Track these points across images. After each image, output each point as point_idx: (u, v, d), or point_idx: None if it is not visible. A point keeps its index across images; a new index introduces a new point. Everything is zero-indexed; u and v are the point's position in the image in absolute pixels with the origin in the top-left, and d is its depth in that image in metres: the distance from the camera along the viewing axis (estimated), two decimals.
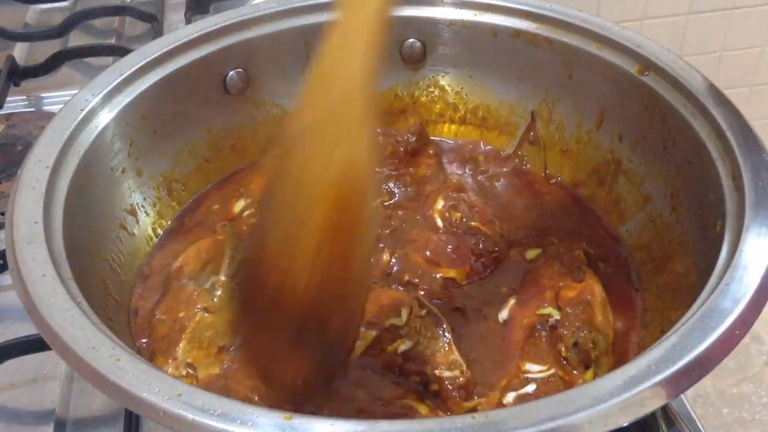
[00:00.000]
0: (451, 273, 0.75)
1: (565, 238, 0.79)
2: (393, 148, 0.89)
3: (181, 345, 0.66)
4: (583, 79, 0.85)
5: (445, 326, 0.67)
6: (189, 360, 0.65)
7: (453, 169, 0.90)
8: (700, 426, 0.66)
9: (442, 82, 0.95)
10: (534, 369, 0.66)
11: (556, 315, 0.69)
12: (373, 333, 0.66)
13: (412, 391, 0.64)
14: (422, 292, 0.72)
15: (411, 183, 0.86)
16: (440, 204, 0.81)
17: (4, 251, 0.64)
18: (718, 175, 0.67)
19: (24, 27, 1.26)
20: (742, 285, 0.56)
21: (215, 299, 0.69)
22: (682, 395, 0.59)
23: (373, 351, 0.66)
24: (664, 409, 0.65)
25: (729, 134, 0.68)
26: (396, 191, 0.85)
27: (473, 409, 0.63)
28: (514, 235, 0.81)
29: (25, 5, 1.30)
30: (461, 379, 0.64)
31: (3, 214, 0.83)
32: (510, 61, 0.90)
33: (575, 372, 0.66)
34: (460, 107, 0.95)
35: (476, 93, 0.94)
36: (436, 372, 0.64)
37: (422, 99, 0.95)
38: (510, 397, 0.63)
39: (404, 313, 0.67)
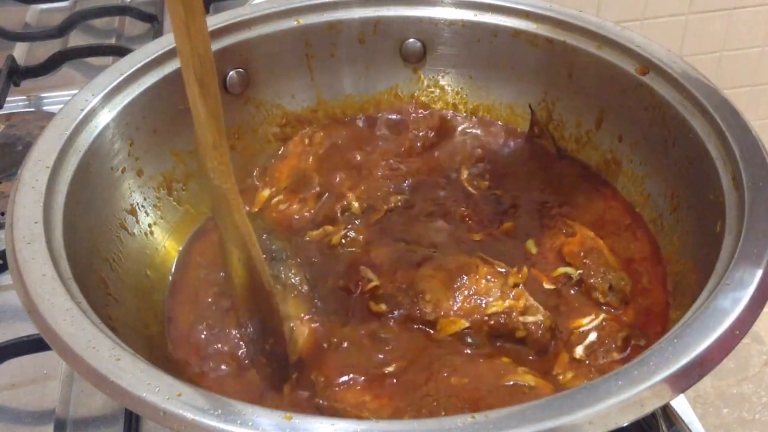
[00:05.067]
0: (477, 237, 0.78)
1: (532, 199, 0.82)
2: (410, 143, 0.90)
3: None
4: (583, 79, 0.85)
5: (510, 278, 0.69)
6: None
7: (472, 144, 0.92)
8: (700, 426, 0.66)
9: (442, 82, 0.95)
10: (584, 321, 0.68)
11: (572, 271, 0.73)
12: (466, 323, 0.67)
13: (505, 363, 0.65)
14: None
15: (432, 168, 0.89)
16: (465, 174, 0.86)
17: (4, 251, 0.64)
18: (718, 175, 0.67)
19: (24, 27, 1.26)
20: (742, 285, 0.56)
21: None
22: (682, 395, 0.59)
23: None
24: (664, 409, 0.65)
25: (729, 134, 0.68)
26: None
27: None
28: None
29: (25, 5, 1.30)
30: (547, 321, 0.66)
31: (3, 214, 0.83)
32: (510, 61, 0.90)
33: (620, 311, 0.69)
34: (460, 107, 0.95)
35: (476, 93, 0.94)
36: (520, 319, 0.66)
37: (422, 99, 0.95)
38: (579, 350, 0.66)
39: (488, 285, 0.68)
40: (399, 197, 0.83)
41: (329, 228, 0.78)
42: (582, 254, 0.74)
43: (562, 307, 0.71)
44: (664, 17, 1.93)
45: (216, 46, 0.85)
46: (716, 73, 2.03)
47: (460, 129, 0.93)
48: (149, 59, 0.80)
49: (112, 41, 1.22)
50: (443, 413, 0.59)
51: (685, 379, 0.50)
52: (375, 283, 0.70)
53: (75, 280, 0.60)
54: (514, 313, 0.66)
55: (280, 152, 0.89)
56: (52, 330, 0.54)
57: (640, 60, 0.79)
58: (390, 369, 0.64)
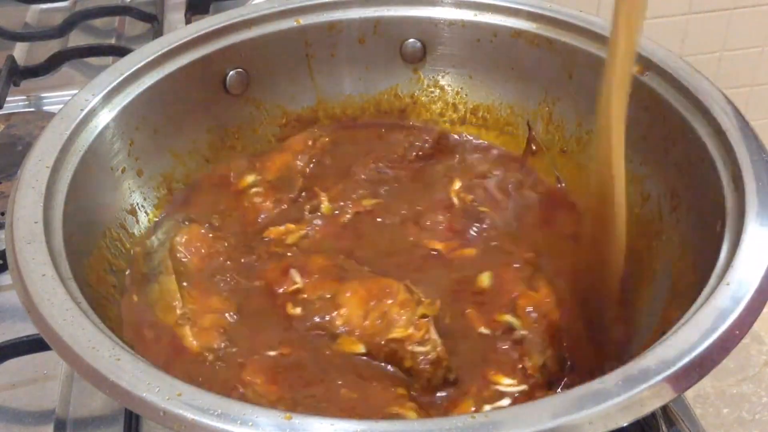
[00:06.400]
0: (437, 245, 0.77)
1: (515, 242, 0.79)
2: (404, 151, 0.90)
3: None
4: (583, 79, 0.85)
5: (420, 309, 0.67)
6: None
7: (468, 161, 0.91)
8: (700, 426, 0.66)
9: (442, 82, 0.95)
10: (505, 382, 0.65)
11: (518, 326, 0.68)
12: (362, 349, 0.67)
13: (399, 394, 0.64)
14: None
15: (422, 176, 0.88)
16: (457, 185, 0.84)
17: (4, 251, 0.64)
18: (718, 175, 0.67)
19: (24, 27, 1.26)
20: (742, 285, 0.56)
21: None
22: (682, 395, 0.59)
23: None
24: (664, 409, 0.65)
25: (729, 134, 0.68)
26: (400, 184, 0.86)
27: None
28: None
29: (25, 5, 1.30)
30: (432, 354, 0.64)
31: (3, 214, 0.83)
32: (510, 61, 0.90)
33: (538, 392, 0.64)
34: (460, 107, 0.95)
35: (476, 93, 0.94)
36: (410, 348, 0.65)
37: (422, 99, 0.95)
38: (487, 408, 0.63)
39: (403, 313, 0.67)
40: (373, 201, 0.82)
41: (291, 226, 0.78)
42: (534, 316, 0.68)
43: (491, 354, 0.67)
44: (664, 17, 1.93)
45: (216, 46, 0.85)
46: (716, 73, 2.03)
47: (459, 148, 0.92)
48: (149, 59, 0.80)
49: (112, 41, 1.21)
50: None
51: (685, 379, 0.50)
52: (298, 285, 0.70)
53: (75, 280, 0.60)
54: (407, 342, 0.65)
55: (282, 143, 0.89)
56: (52, 330, 0.54)
57: (640, 60, 0.79)
58: (287, 359, 0.65)
